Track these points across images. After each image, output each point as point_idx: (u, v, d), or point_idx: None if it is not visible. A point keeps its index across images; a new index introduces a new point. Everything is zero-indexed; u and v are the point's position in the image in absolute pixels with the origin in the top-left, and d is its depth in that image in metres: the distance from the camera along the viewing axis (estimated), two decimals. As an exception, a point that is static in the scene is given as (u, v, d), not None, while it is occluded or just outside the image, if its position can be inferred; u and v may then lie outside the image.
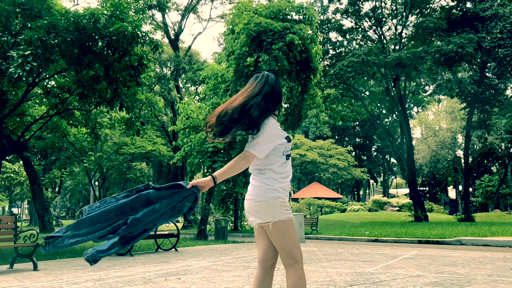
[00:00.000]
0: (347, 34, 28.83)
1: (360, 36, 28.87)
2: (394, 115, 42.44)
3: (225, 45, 17.14)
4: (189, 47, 35.22)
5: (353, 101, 32.89)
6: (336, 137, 58.78)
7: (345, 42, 29.25)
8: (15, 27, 11.16)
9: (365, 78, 29.12)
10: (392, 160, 58.59)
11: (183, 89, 35.27)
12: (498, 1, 24.42)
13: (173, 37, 32.71)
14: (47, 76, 13.24)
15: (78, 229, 2.02)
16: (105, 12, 10.44)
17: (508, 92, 31.31)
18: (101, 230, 2.01)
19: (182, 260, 8.01)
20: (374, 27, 28.03)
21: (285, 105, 16.68)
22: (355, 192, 64.89)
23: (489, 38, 23.05)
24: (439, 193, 52.85)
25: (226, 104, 2.37)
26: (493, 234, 12.92)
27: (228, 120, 2.30)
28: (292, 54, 14.24)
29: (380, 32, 28.08)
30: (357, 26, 28.51)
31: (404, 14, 27.19)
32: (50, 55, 9.92)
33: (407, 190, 47.09)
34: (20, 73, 9.03)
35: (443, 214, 36.97)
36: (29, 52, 9.20)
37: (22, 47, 9.38)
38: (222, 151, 14.10)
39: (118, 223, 2.02)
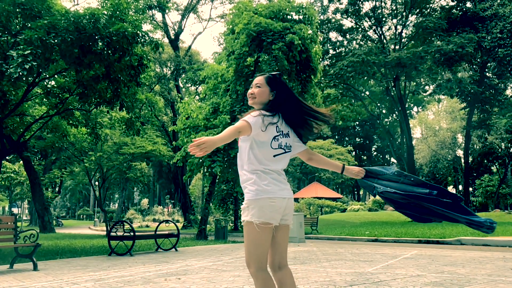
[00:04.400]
0: (347, 34, 28.85)
1: (360, 36, 28.88)
2: (394, 115, 42.46)
3: (225, 45, 17.14)
4: (189, 47, 35.21)
5: (353, 101, 32.91)
6: (336, 137, 58.72)
7: (345, 42, 29.28)
8: (15, 27, 11.15)
9: (365, 78, 29.14)
10: (392, 160, 58.58)
11: (183, 89, 35.26)
12: (498, 1, 24.43)
13: (173, 37, 32.70)
14: (47, 76, 13.21)
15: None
16: (105, 12, 10.43)
17: (508, 92, 31.33)
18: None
19: (182, 260, 8.01)
20: (374, 27, 28.04)
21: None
22: (355, 192, 64.87)
23: (489, 38, 23.05)
24: (439, 193, 52.78)
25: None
26: (493, 234, 12.92)
27: None
28: (292, 54, 14.23)
29: (380, 32, 28.09)
30: (357, 26, 28.52)
31: (404, 14, 27.20)
32: (50, 55, 9.91)
33: (407, 190, 46.98)
34: (20, 73, 9.02)
35: (443, 214, 36.86)
36: (29, 51, 9.19)
37: (21, 46, 9.37)
38: (222, 151, 14.11)
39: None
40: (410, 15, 27.37)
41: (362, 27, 28.54)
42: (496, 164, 40.34)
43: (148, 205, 45.82)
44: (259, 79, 2.52)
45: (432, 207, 2.33)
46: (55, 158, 30.55)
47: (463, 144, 31.61)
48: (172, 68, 32.79)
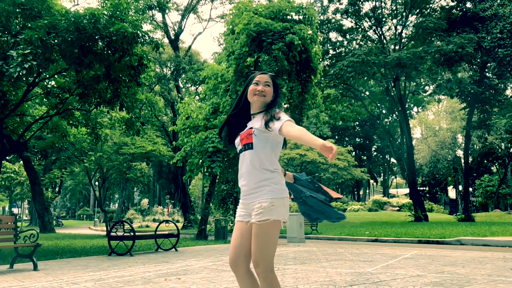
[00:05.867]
0: (347, 34, 28.83)
1: (360, 36, 28.86)
2: (394, 115, 42.44)
3: (225, 45, 17.14)
4: (189, 47, 35.21)
5: (353, 101, 32.89)
6: (336, 137, 58.71)
7: (345, 42, 29.25)
8: (15, 27, 11.15)
9: (365, 78, 29.11)
10: (392, 160, 58.58)
11: (183, 89, 35.26)
12: (498, 1, 24.41)
13: (173, 37, 32.70)
14: (47, 76, 13.22)
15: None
16: (105, 13, 10.43)
17: (508, 92, 31.33)
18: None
19: (182, 260, 8.01)
20: (374, 27, 28.02)
21: (285, 105, 16.67)
22: (355, 192, 64.88)
23: (489, 38, 23.04)
24: (439, 193, 52.87)
25: None
26: (493, 234, 12.92)
27: None
28: (292, 54, 14.23)
29: (380, 32, 28.08)
30: (357, 26, 28.50)
31: (404, 14, 27.19)
32: (50, 55, 9.91)
33: (407, 190, 47.10)
34: (20, 72, 9.01)
35: (443, 214, 36.99)
36: (29, 51, 9.19)
37: (21, 46, 9.38)
38: (222, 151, 14.11)
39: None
40: (410, 15, 27.36)
41: (362, 27, 28.53)
42: (496, 164, 40.39)
43: (148, 205, 45.82)
44: (267, 78, 2.45)
45: (327, 210, 2.75)
46: (55, 158, 30.55)
47: (463, 144, 31.60)
48: (172, 68, 32.79)
